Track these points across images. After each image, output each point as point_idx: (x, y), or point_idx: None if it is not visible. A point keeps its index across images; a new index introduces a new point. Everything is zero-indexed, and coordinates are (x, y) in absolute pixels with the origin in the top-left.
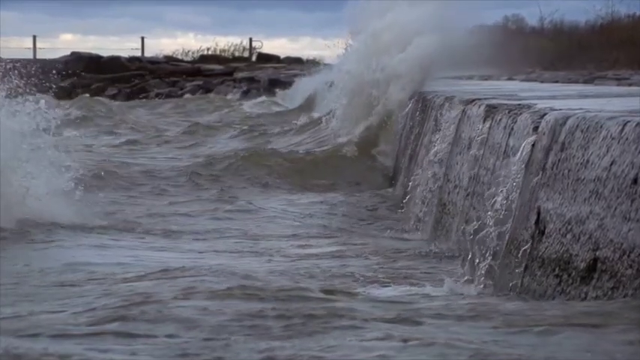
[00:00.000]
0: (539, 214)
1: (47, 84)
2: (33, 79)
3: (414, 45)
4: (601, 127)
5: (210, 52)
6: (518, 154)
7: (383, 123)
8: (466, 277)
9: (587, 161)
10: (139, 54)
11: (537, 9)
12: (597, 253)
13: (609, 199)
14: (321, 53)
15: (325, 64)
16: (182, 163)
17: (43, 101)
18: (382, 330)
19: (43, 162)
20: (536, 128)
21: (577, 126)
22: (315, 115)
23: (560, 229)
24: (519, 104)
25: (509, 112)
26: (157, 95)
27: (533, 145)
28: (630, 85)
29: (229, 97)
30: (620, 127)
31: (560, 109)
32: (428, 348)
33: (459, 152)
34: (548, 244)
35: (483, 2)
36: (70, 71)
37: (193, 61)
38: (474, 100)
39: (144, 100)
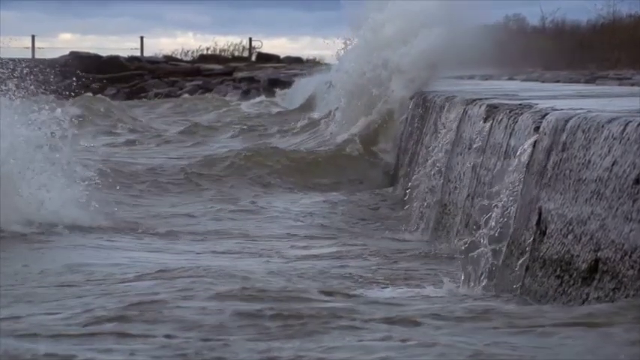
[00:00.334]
0: (540, 214)
1: (50, 86)
2: (32, 77)
3: (420, 37)
4: (602, 127)
5: (209, 52)
6: (519, 154)
7: (384, 122)
8: (466, 278)
9: (589, 161)
10: (138, 54)
11: (538, 8)
12: (599, 254)
13: (611, 200)
14: (321, 53)
15: (325, 64)
16: (182, 163)
17: (59, 110)
18: (381, 331)
19: (56, 170)
20: (537, 128)
21: (578, 126)
22: (315, 115)
23: (561, 230)
24: (520, 104)
25: (510, 112)
26: (156, 95)
27: (534, 146)
28: (632, 84)
29: (227, 97)
30: (622, 128)
31: (562, 109)
32: (427, 349)
33: (460, 152)
34: (549, 245)
35: (493, 1)
36: (69, 71)
37: (193, 61)
38: (474, 100)
39: (143, 99)
